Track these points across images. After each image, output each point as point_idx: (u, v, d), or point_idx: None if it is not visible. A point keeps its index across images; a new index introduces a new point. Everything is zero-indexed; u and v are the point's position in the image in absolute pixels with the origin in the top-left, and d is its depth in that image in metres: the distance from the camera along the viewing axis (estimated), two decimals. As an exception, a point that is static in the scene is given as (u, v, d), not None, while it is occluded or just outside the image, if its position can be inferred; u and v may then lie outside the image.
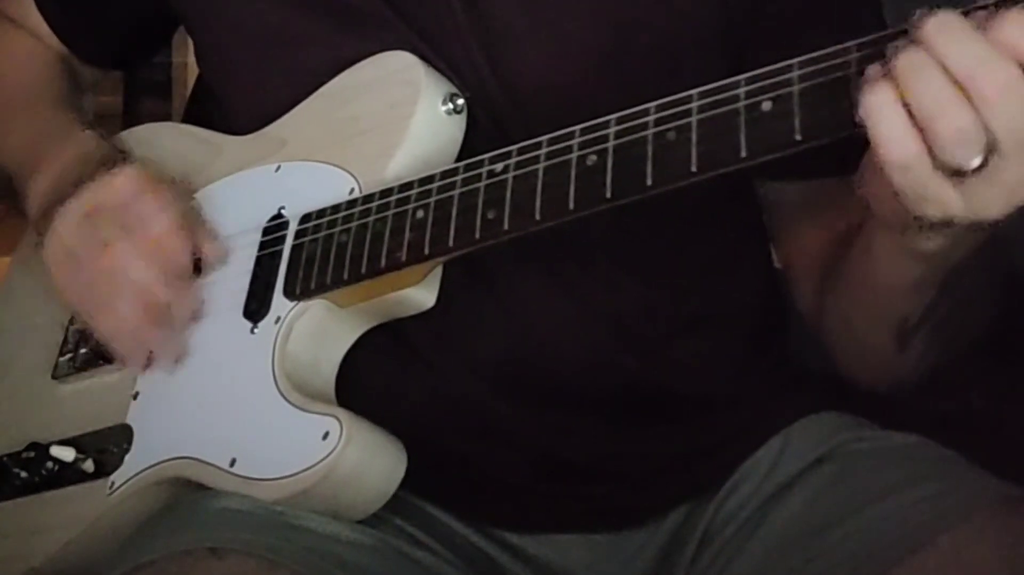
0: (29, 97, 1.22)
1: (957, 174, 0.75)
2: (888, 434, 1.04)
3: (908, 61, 0.75)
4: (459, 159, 1.02)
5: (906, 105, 0.75)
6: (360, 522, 1.00)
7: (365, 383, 1.03)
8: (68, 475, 1.09)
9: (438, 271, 1.01)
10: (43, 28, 1.25)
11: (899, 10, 0.82)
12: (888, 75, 0.75)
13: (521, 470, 1.07)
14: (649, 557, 1.08)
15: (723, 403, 1.08)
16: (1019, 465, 0.98)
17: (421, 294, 1.01)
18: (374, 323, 1.04)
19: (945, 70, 0.74)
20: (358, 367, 1.03)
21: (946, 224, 0.79)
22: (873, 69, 0.77)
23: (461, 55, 1.03)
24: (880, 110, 0.75)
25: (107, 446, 1.08)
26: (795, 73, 0.82)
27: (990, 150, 0.74)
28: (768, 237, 1.11)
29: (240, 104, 1.14)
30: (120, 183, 1.06)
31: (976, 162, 0.75)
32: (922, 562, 0.91)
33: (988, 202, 0.76)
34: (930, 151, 0.75)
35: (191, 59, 1.24)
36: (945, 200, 0.76)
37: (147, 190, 1.05)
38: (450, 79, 1.03)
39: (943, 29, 0.74)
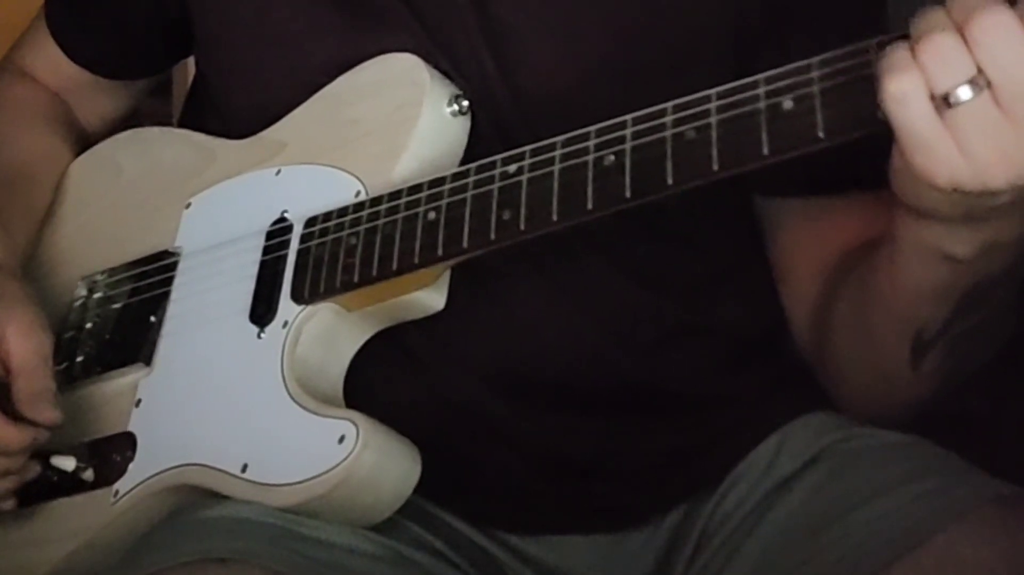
0: None
1: (949, 105, 0.76)
2: (884, 433, 1.04)
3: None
4: (462, 162, 1.02)
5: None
6: (366, 524, 1.00)
7: (363, 386, 1.03)
8: (69, 485, 1.08)
9: (447, 273, 1.01)
10: (50, 64, 1.23)
11: (903, 13, 0.83)
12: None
13: (521, 471, 1.07)
14: (649, 557, 1.08)
15: (720, 402, 1.09)
16: (1015, 464, 0.99)
17: (431, 297, 1.01)
18: (382, 326, 1.03)
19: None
20: (357, 370, 1.03)
21: (955, 190, 0.78)
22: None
23: (467, 54, 1.03)
24: (895, 68, 0.77)
25: (109, 455, 1.07)
26: (815, 73, 0.82)
27: (981, 85, 0.75)
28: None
29: (241, 103, 1.12)
30: None
31: (965, 92, 0.75)
32: (918, 561, 0.92)
33: (989, 161, 0.76)
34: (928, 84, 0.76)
35: (191, 60, 1.22)
36: (947, 154, 0.77)
37: None
38: (455, 79, 1.03)
39: None
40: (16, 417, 1.03)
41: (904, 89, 0.76)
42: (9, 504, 1.07)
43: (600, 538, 1.08)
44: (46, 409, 1.03)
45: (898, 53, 0.77)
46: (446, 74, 1.04)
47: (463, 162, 1.02)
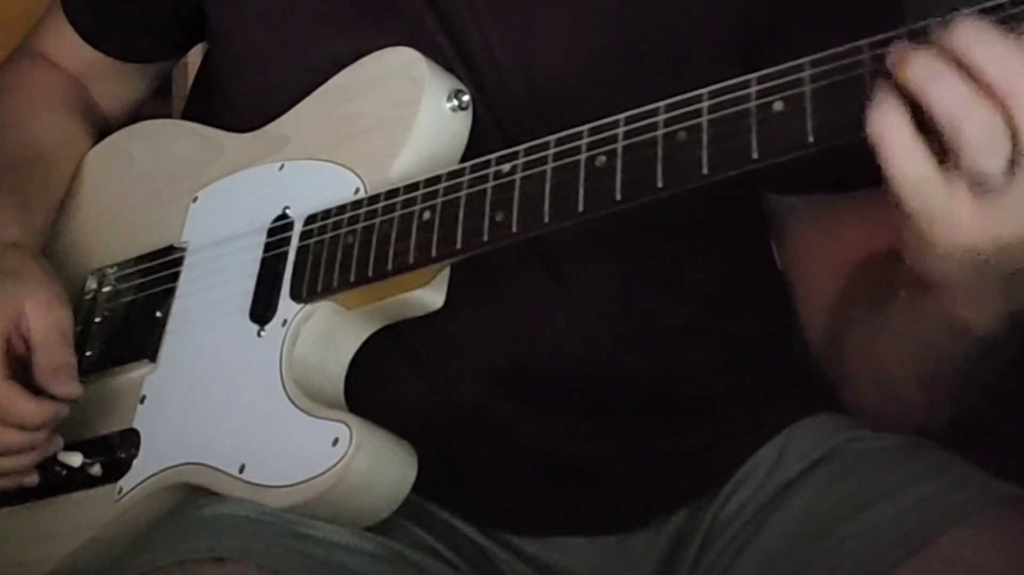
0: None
1: (977, 184, 0.72)
2: (887, 434, 1.03)
3: (925, 66, 0.72)
4: (464, 157, 1.01)
5: (920, 115, 0.73)
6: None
7: (367, 385, 1.02)
8: (76, 480, 1.08)
9: (446, 271, 0.99)
10: (67, 48, 1.23)
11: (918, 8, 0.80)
12: (897, 85, 0.73)
13: (524, 472, 1.06)
14: (652, 559, 1.07)
15: (724, 403, 1.07)
16: (1019, 465, 0.97)
17: (429, 295, 0.99)
18: (382, 324, 1.02)
19: (967, 71, 0.72)
20: (360, 369, 1.02)
21: (967, 251, 0.75)
22: (882, 84, 0.74)
23: (479, 43, 1.02)
24: (888, 124, 0.73)
25: (115, 451, 1.07)
26: (807, 73, 0.80)
27: (1015, 157, 0.72)
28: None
29: (251, 92, 1.11)
30: None
31: (1000, 169, 0.71)
32: (923, 562, 0.91)
33: (1004, 224, 0.73)
34: (943, 162, 0.72)
35: (191, 59, 1.21)
36: (958, 220, 0.73)
37: None
38: (465, 69, 1.02)
39: (966, 31, 0.72)
40: (37, 392, 1.03)
41: (917, 172, 0.72)
42: (32, 480, 1.07)
43: (602, 539, 1.07)
44: (66, 383, 1.03)
45: (906, 137, 0.72)
46: (457, 65, 1.02)
47: (465, 157, 1.01)
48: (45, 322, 1.04)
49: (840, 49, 0.79)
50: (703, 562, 1.03)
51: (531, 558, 1.07)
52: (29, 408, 1.02)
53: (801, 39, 0.87)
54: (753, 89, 0.82)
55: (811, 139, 0.79)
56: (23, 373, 1.04)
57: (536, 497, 1.06)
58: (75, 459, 1.08)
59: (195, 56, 1.25)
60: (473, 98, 1.01)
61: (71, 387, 1.03)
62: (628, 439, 1.06)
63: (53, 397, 1.03)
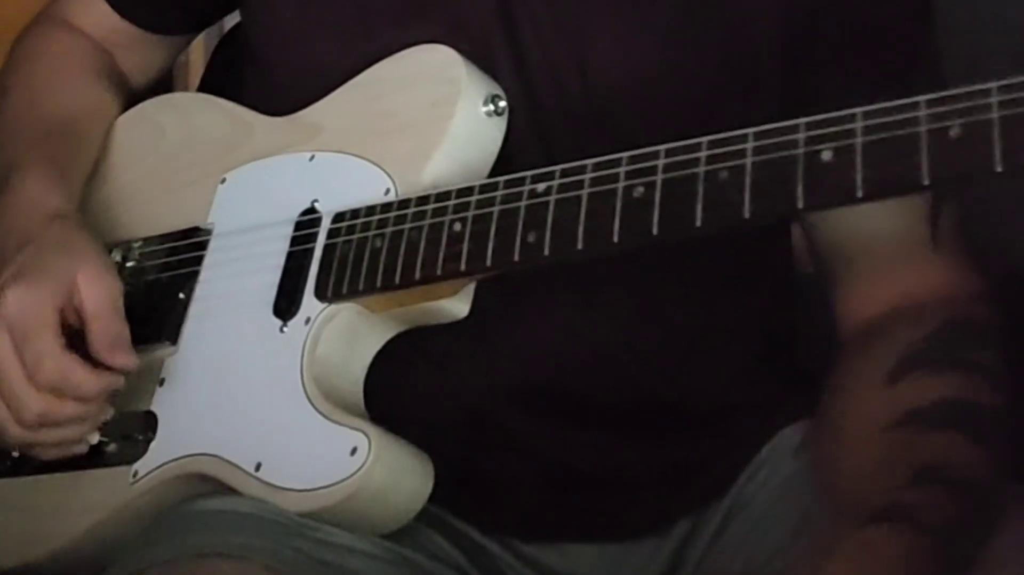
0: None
1: None
2: None
3: None
4: (499, 160, 0.99)
5: None
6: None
7: (381, 386, 1.01)
8: (92, 458, 1.07)
9: (472, 282, 0.98)
10: (93, 16, 1.21)
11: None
12: None
13: (535, 480, 1.05)
14: (659, 564, 1.07)
15: (732, 411, 1.06)
16: (1019, 464, 0.95)
17: (455, 305, 0.98)
18: (404, 328, 1.01)
19: None
20: (375, 369, 1.01)
21: None
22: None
23: (532, 39, 1.00)
24: None
25: (131, 432, 1.06)
26: (859, 124, 0.78)
27: None
28: (788, 249, 1.09)
29: (288, 73, 1.09)
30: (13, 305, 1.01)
31: None
32: None
33: None
34: None
35: (193, 57, 1.19)
36: None
37: (34, 326, 1.00)
38: (513, 65, 1.00)
39: None
40: (92, 362, 1.02)
41: None
42: (82, 448, 1.06)
43: (611, 547, 1.07)
44: (122, 354, 1.02)
45: None
46: (507, 61, 1.00)
47: (500, 161, 0.99)
48: (97, 293, 1.03)
49: (896, 103, 0.76)
50: (707, 562, 1.03)
51: (538, 564, 1.06)
52: (89, 380, 1.01)
53: (830, 70, 0.84)
54: (802, 135, 0.80)
55: (860, 194, 0.77)
56: (77, 344, 1.03)
57: (543, 505, 1.06)
58: (92, 436, 1.07)
59: (196, 55, 1.22)
60: (515, 97, 0.99)
61: (128, 358, 1.02)
62: (641, 450, 1.05)
63: (109, 368, 1.02)
